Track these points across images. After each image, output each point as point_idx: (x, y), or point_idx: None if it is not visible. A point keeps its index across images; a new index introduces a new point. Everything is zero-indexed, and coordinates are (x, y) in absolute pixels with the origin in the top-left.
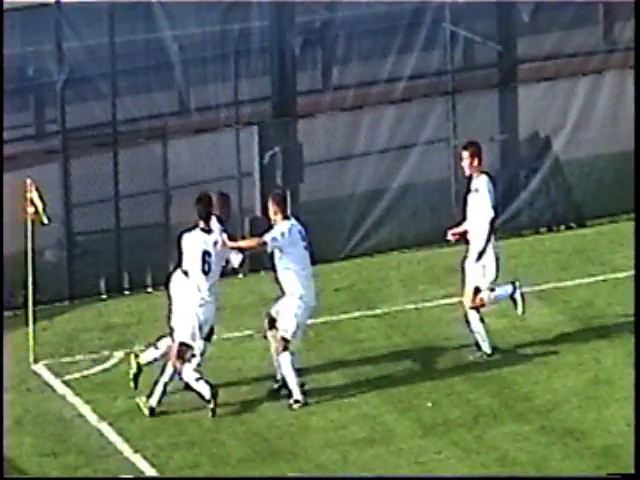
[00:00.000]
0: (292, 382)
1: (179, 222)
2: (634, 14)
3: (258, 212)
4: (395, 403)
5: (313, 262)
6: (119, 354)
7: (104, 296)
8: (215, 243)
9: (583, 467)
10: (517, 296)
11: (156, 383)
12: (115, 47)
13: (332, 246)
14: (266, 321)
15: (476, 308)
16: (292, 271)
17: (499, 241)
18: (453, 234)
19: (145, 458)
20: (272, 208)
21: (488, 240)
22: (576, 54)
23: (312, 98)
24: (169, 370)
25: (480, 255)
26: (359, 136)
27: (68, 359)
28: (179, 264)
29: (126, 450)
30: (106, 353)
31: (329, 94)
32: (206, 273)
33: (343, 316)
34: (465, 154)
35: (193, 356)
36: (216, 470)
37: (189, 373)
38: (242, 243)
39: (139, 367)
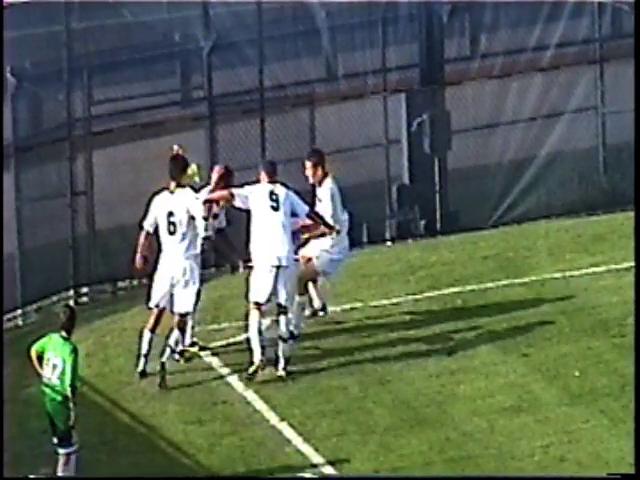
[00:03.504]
0: (255, 343)
1: None
2: (634, 13)
3: (406, 180)
4: (542, 371)
5: (460, 230)
6: (266, 321)
7: (250, 264)
8: (181, 203)
9: None
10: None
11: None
12: (262, 13)
13: (479, 214)
14: None
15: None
16: (256, 232)
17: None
18: None
19: (291, 426)
20: (261, 172)
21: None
22: None
23: (460, 66)
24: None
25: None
26: (507, 104)
27: (214, 326)
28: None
29: (272, 418)
30: None
31: (477, 62)
32: (171, 233)
33: (491, 284)
34: (308, 164)
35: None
36: (363, 439)
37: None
38: (212, 195)
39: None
